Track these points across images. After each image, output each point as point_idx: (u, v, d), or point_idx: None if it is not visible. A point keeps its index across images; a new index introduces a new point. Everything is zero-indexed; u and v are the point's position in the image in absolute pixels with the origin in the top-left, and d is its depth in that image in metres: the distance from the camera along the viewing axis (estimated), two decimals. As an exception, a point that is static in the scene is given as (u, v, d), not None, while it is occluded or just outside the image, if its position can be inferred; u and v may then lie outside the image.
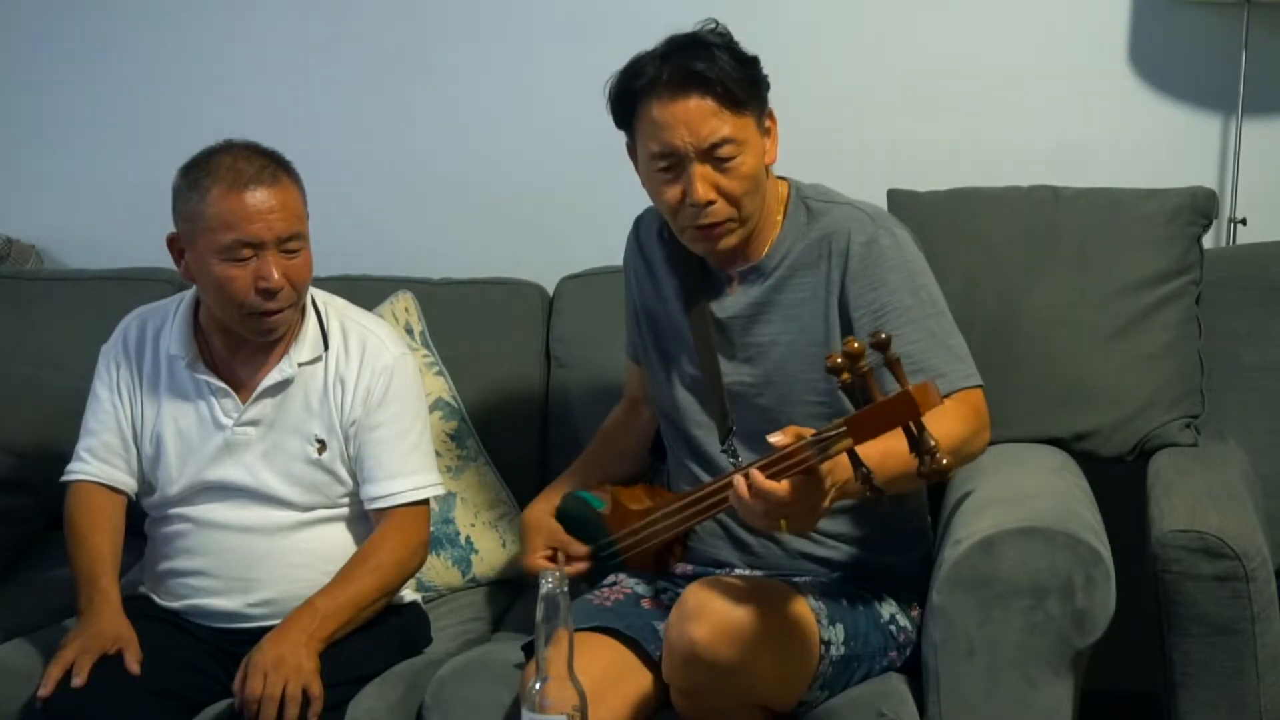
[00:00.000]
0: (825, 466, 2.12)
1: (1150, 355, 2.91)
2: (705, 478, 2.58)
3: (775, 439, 2.14)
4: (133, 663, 2.50)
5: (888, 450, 2.14)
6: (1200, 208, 2.98)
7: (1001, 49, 3.40)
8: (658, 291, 2.68)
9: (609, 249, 3.09)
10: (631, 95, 2.47)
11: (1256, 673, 2.36)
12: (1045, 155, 3.33)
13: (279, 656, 2.46)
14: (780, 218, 2.57)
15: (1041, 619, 2.30)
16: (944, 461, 2.05)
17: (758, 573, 2.54)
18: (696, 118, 2.42)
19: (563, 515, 2.73)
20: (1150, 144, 3.34)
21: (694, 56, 2.42)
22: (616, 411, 2.91)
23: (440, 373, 3.15)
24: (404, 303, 3.21)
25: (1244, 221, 3.27)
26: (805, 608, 2.39)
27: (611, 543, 2.64)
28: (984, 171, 3.15)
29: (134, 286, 3.22)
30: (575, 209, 3.52)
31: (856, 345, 2.04)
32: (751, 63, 2.48)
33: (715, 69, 2.41)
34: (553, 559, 2.70)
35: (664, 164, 2.46)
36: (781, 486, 2.12)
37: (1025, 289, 2.95)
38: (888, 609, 2.53)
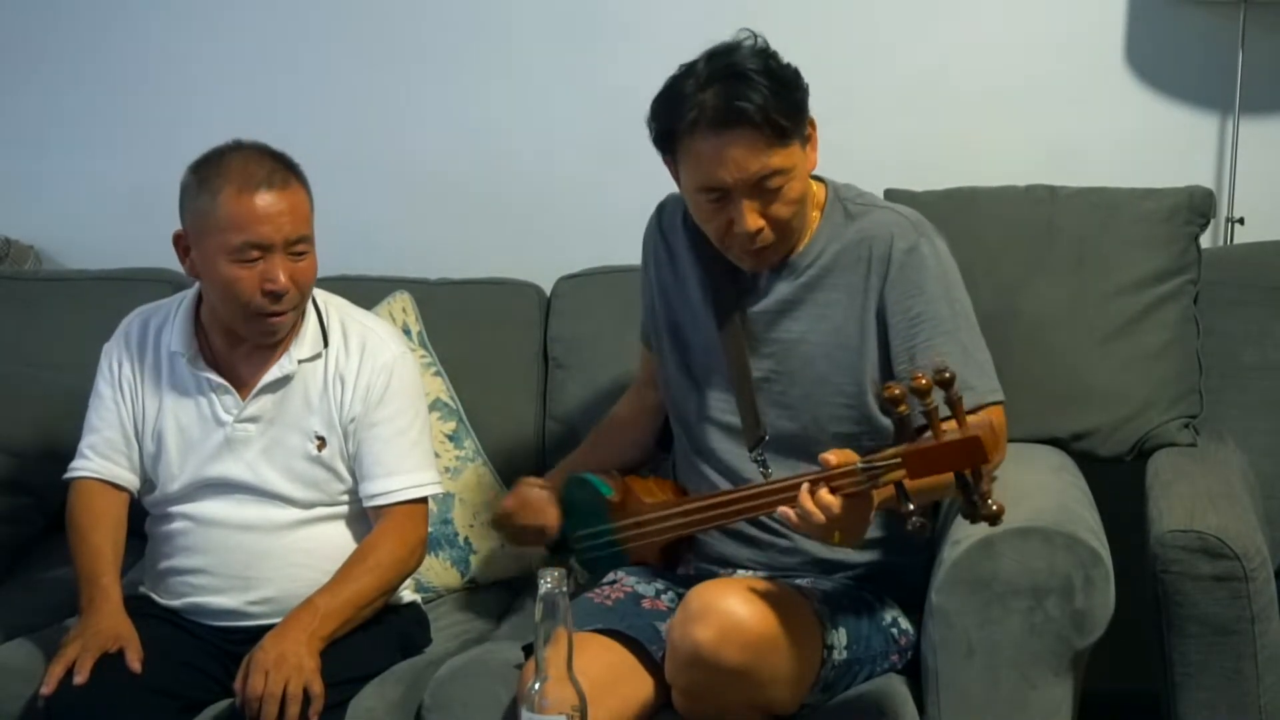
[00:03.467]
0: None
1: (1148, 355, 2.91)
2: (719, 480, 2.58)
3: (827, 458, 2.18)
4: (134, 661, 2.50)
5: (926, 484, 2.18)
6: (1198, 207, 2.98)
7: (998, 49, 3.40)
8: (679, 282, 2.67)
9: (607, 249, 3.10)
10: (673, 131, 2.44)
11: (1256, 673, 2.36)
12: (1042, 155, 3.33)
13: (280, 655, 2.46)
14: (817, 217, 2.57)
15: (1041, 619, 2.30)
16: (994, 508, 2.08)
17: (761, 573, 2.54)
18: (743, 155, 2.39)
19: (567, 497, 2.72)
20: (1147, 143, 3.34)
21: (737, 91, 2.38)
22: (626, 398, 2.90)
23: (438, 373, 3.15)
24: (402, 303, 3.21)
25: (1241, 221, 3.27)
26: (809, 611, 2.40)
27: (615, 530, 2.63)
28: (981, 171, 3.15)
29: (133, 287, 3.22)
30: (573, 209, 3.52)
31: (925, 381, 2.05)
32: (793, 84, 2.44)
33: (759, 102, 2.37)
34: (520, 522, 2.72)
35: (711, 196, 2.45)
36: (837, 501, 2.16)
37: (1023, 289, 2.95)
38: (890, 612, 2.54)
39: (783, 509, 2.21)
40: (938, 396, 2.07)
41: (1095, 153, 3.34)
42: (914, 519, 2.13)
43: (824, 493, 2.16)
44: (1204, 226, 3.00)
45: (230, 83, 3.63)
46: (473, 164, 3.58)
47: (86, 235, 3.67)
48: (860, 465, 2.15)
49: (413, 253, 3.46)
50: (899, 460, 2.11)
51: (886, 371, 2.49)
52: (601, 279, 3.27)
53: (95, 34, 3.68)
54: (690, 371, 2.65)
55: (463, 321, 3.26)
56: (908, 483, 2.13)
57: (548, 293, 3.33)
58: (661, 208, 2.74)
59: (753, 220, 2.43)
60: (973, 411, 2.30)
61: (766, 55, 2.44)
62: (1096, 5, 3.36)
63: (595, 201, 3.48)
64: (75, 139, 3.71)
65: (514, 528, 2.76)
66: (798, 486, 2.20)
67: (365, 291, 3.11)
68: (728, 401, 2.59)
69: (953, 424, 2.10)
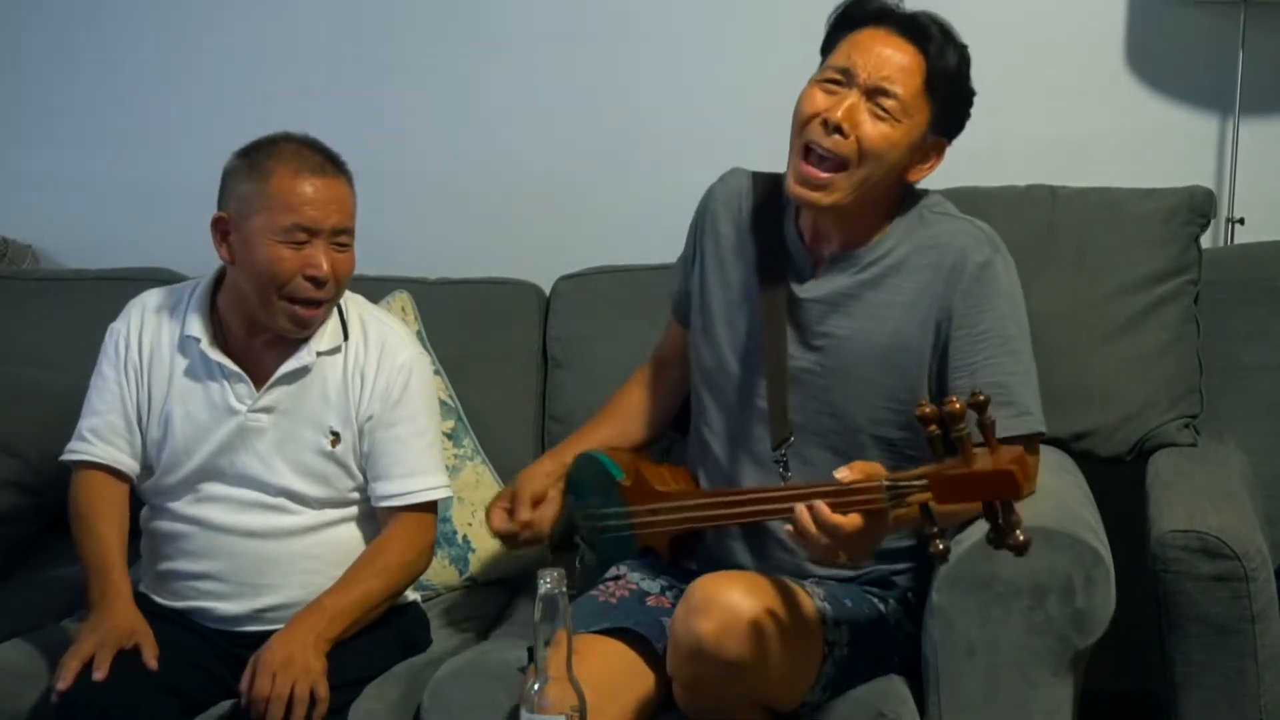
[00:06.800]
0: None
1: (1149, 355, 2.91)
2: (730, 463, 2.55)
3: (843, 475, 2.12)
4: (150, 658, 2.49)
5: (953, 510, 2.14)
6: (1198, 207, 2.98)
7: (999, 48, 3.36)
8: (736, 257, 2.61)
9: (606, 249, 3.09)
10: (862, 15, 2.49)
11: (1256, 673, 2.36)
12: (1043, 155, 3.33)
13: (288, 656, 2.46)
14: (894, 218, 2.54)
15: (1041, 619, 2.30)
16: (1021, 539, 2.01)
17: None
18: (891, 57, 2.44)
19: (575, 475, 2.70)
20: (1148, 143, 3.34)
21: (932, 23, 2.47)
22: (642, 375, 2.85)
23: (438, 372, 3.14)
24: (401, 302, 3.21)
25: (1242, 221, 3.27)
26: (811, 607, 2.39)
27: (626, 514, 2.61)
28: (982, 171, 3.13)
29: (131, 287, 3.17)
30: (572, 209, 3.52)
31: (959, 406, 1.99)
32: (965, 82, 2.52)
33: (938, 42, 2.45)
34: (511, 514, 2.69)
35: (836, 77, 2.45)
36: (850, 520, 2.10)
37: (1023, 289, 2.94)
38: (892, 612, 2.53)
39: (787, 528, 2.16)
40: (971, 421, 2.01)
41: (1095, 153, 3.35)
42: (937, 543, 2.06)
43: (824, 513, 2.09)
44: (1204, 226, 3.00)
45: (229, 83, 3.63)
46: (472, 164, 3.58)
47: (84, 235, 3.67)
48: (886, 483, 2.08)
49: (412, 252, 3.45)
50: (926, 483, 2.05)
51: (938, 381, 2.47)
52: (601, 279, 3.27)
53: (94, 34, 3.68)
54: (729, 351, 2.59)
55: (462, 321, 3.26)
56: (934, 505, 2.07)
57: (547, 292, 3.33)
58: (726, 176, 2.69)
59: (846, 114, 2.41)
60: (1023, 439, 2.31)
61: (967, 55, 2.53)
62: (1097, 5, 3.36)
63: (595, 201, 3.48)
64: (73, 139, 3.71)
65: (513, 543, 2.75)
66: (815, 495, 2.13)
67: (365, 291, 3.08)
68: (760, 389, 2.54)
69: (984, 451, 2.03)
